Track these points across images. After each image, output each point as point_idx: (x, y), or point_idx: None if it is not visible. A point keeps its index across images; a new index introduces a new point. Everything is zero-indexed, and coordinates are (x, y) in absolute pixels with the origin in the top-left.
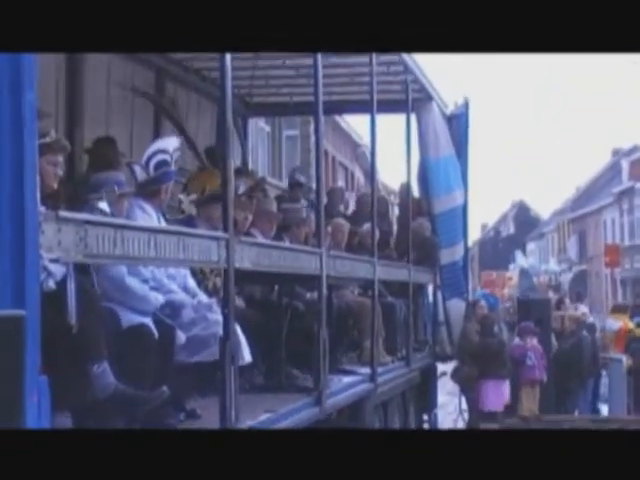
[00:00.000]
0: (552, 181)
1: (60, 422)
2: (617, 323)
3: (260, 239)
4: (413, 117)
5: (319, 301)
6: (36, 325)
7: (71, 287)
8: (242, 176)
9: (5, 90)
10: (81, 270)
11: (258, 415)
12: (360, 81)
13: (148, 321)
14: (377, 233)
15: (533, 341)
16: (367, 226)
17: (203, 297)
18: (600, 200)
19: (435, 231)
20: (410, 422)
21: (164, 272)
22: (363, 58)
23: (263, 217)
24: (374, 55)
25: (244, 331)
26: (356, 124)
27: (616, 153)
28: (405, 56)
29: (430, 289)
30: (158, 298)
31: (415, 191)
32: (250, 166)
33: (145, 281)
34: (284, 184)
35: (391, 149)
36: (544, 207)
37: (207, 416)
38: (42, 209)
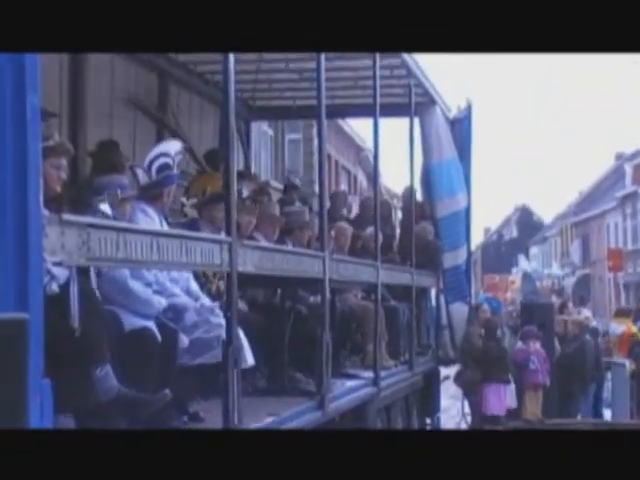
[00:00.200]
0: (555, 185)
1: (63, 425)
2: (620, 327)
3: (263, 243)
4: (416, 121)
5: (322, 305)
6: (39, 328)
7: (74, 290)
8: (244, 179)
9: (8, 92)
10: (84, 273)
11: (261, 418)
12: (363, 85)
13: (151, 324)
14: (380, 237)
15: (536, 345)
16: (370, 230)
17: (206, 300)
18: (603, 204)
19: (438, 235)
20: (413, 426)
21: (167, 275)
22: (366, 62)
23: (266, 221)
24: (377, 59)
25: (247, 334)
26: (359, 128)
27: (619, 157)
28: (408, 60)
29: (433, 293)
30: (161, 301)
31: (418, 195)
32: (253, 169)
33: (148, 284)
34: None
35: (394, 153)
36: (547, 211)
37: (210, 419)
38: (45, 212)
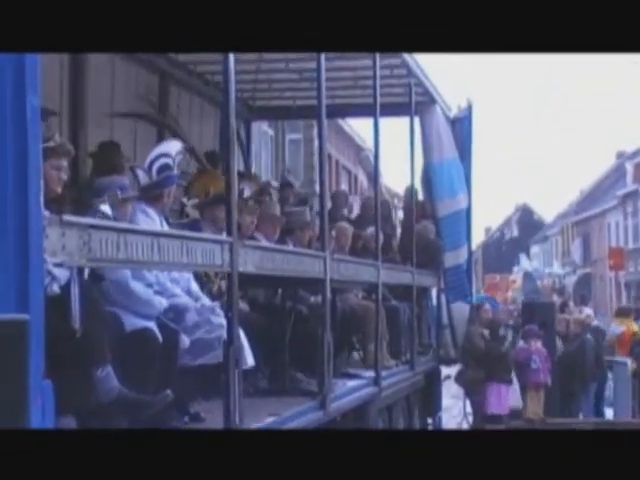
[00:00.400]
0: (556, 184)
1: (64, 426)
2: (619, 328)
3: (264, 243)
4: (416, 120)
5: (323, 305)
6: (40, 329)
7: (75, 291)
8: (245, 179)
9: (8, 93)
10: (85, 274)
11: (262, 418)
12: (363, 84)
13: (152, 325)
14: (381, 236)
15: (537, 344)
16: (371, 229)
17: (206, 300)
18: (604, 203)
19: (439, 234)
20: (414, 425)
21: (167, 276)
22: (366, 61)
23: (267, 221)
24: (377, 58)
25: (248, 334)
26: (359, 127)
27: (620, 156)
28: (408, 59)
29: (434, 292)
30: (162, 302)
31: (419, 194)
32: (253, 170)
33: (149, 285)
34: None
35: (394, 152)
36: (548, 210)
37: (211, 419)
38: (46, 213)
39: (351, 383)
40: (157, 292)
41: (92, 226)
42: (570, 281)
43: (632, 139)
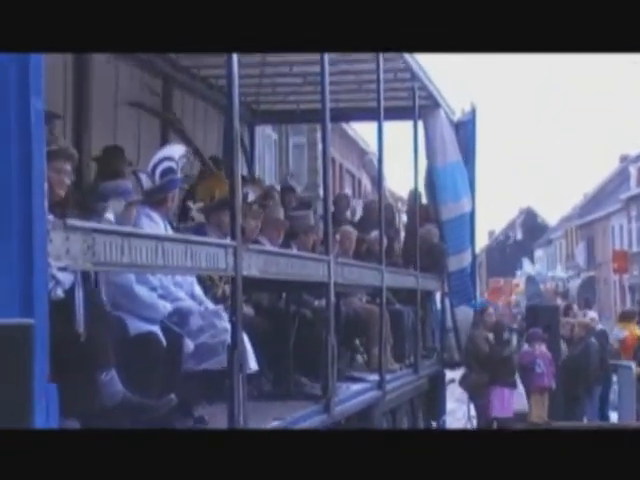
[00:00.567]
0: (559, 187)
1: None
2: (622, 332)
3: (268, 247)
4: (420, 124)
5: (327, 308)
6: (44, 333)
7: (79, 295)
8: (249, 184)
9: (12, 97)
10: (89, 278)
11: (266, 422)
12: (367, 88)
13: (156, 329)
14: (385, 240)
15: (542, 348)
16: (375, 233)
17: (210, 304)
18: (608, 206)
19: (443, 238)
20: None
21: (171, 280)
22: (370, 65)
23: (271, 225)
24: (381, 62)
25: (252, 338)
26: (363, 131)
27: (624, 159)
28: (412, 63)
29: (438, 296)
30: (166, 306)
31: (423, 198)
32: (257, 174)
33: (153, 289)
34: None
35: (398, 156)
36: (552, 213)
37: (215, 423)
38: (50, 217)
39: (355, 387)
40: (161, 296)
41: (96, 230)
42: (574, 284)
43: (636, 142)
